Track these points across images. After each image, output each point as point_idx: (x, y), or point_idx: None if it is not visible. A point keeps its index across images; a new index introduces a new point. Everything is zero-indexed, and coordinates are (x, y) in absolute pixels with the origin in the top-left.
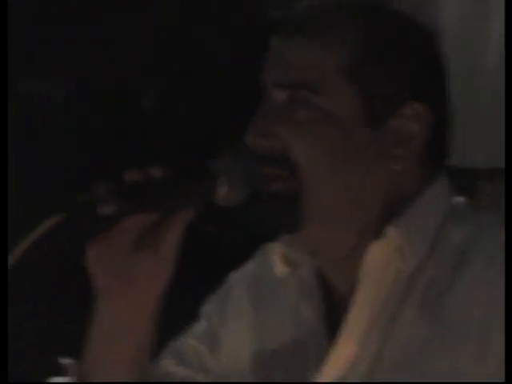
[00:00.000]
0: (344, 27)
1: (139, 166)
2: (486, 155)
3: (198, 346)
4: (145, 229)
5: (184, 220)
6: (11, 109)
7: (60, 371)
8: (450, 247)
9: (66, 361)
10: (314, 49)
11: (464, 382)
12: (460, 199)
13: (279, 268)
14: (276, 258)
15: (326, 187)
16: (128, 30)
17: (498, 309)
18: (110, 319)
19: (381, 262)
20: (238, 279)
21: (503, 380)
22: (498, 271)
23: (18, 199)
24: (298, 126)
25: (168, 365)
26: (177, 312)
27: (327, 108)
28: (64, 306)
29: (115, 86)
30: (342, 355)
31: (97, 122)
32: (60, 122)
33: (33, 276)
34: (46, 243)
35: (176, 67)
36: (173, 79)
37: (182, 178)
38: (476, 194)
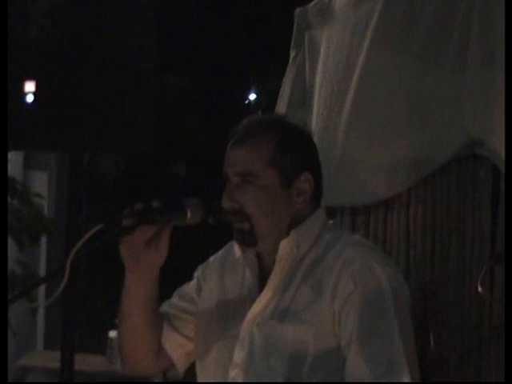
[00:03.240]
0: (265, 136)
1: (145, 200)
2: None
3: (190, 291)
4: (149, 235)
5: (169, 231)
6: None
7: None
8: (323, 243)
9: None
10: (250, 151)
11: None
12: (330, 221)
13: (237, 251)
14: (236, 246)
15: (263, 221)
16: None
17: (347, 280)
18: (131, 282)
19: (286, 250)
20: (214, 257)
21: None
22: (344, 258)
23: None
24: (247, 193)
25: (173, 299)
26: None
27: (261, 183)
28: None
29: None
30: (260, 303)
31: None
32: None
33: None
34: (95, 240)
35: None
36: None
37: (168, 207)
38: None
